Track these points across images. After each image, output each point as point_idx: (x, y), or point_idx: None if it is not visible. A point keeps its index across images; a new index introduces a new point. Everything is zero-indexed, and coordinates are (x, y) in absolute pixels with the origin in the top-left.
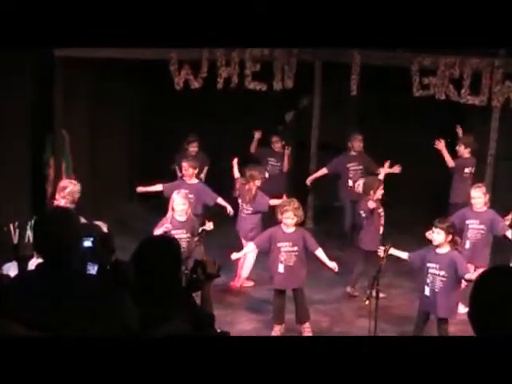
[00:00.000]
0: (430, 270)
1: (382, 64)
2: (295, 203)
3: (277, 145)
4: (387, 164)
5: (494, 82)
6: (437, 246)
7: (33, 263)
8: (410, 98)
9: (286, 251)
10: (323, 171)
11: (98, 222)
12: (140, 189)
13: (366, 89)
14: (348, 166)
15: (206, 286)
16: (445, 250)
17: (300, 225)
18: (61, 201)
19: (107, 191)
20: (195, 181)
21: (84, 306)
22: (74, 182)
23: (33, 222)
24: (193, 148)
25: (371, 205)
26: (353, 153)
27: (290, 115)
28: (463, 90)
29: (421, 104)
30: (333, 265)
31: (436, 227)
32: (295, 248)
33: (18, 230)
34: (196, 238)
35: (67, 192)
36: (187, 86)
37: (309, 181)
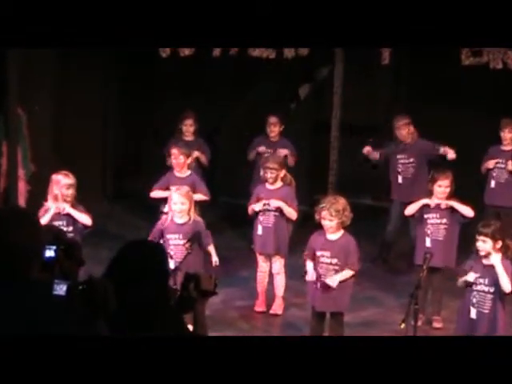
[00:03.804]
0: (477, 287)
1: None
2: (338, 201)
3: (274, 129)
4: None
5: None
6: (484, 257)
7: None
8: (457, 68)
9: (324, 263)
10: (374, 154)
11: None
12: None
13: (400, 56)
14: (398, 157)
15: (200, 306)
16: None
17: None
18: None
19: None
20: (187, 172)
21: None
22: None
23: None
24: (187, 127)
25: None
26: (401, 142)
27: (305, 90)
28: None
29: (471, 75)
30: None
31: (480, 234)
32: (334, 260)
33: None
34: (187, 245)
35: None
36: (175, 54)
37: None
